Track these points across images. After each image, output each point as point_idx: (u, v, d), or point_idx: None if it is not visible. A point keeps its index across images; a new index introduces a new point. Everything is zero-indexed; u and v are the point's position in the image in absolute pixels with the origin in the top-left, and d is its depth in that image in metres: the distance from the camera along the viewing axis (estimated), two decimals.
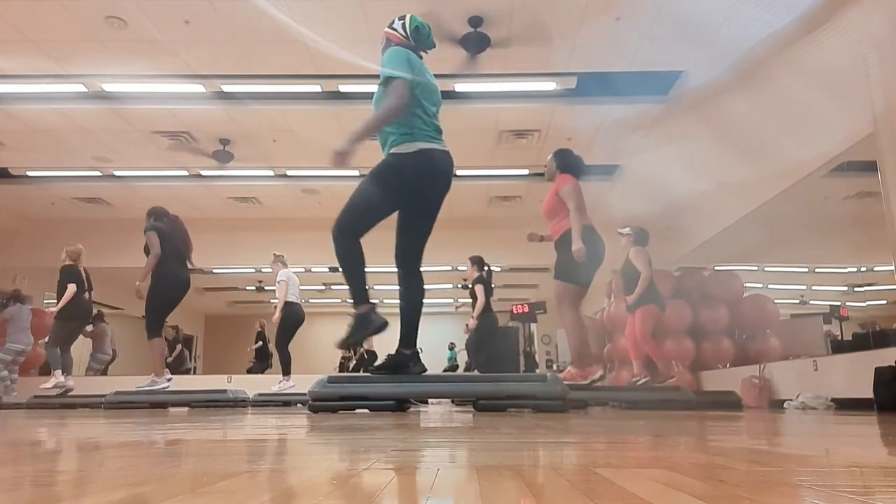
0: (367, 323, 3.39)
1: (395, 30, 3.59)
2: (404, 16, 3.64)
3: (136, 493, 0.73)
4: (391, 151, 3.36)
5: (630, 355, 6.37)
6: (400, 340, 3.62)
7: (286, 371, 7.17)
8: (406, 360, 3.59)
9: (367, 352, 13.84)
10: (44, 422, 3.04)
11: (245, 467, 0.98)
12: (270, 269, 7.58)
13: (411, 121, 3.32)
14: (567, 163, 4.99)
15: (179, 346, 12.72)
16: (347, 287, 3.43)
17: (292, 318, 7.17)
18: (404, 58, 3.37)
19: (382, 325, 3.43)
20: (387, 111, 3.25)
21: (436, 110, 3.46)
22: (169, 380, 5.73)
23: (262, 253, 11.22)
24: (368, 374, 3.88)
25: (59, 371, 6.80)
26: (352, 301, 3.43)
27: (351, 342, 3.51)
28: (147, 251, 5.80)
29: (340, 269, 3.45)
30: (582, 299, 4.79)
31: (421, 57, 3.56)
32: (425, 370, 3.67)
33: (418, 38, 3.56)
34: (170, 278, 5.73)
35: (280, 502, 0.66)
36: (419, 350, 3.69)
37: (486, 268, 7.69)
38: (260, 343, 12.56)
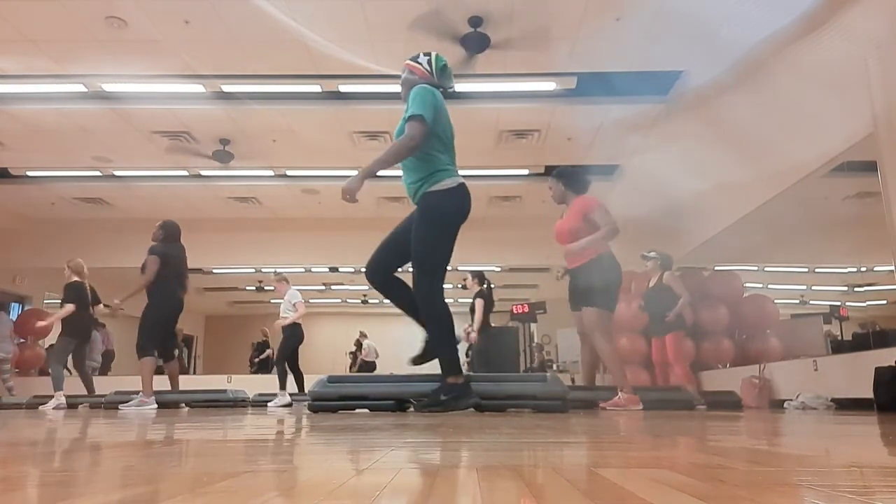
0: (464, 395, 3.34)
1: (419, 64, 3.61)
2: (430, 53, 3.67)
3: (136, 493, 0.73)
4: (435, 189, 3.39)
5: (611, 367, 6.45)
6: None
7: (283, 385, 7.13)
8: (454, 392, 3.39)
9: (364, 362, 13.85)
10: (43, 422, 3.05)
11: (245, 467, 0.98)
12: (273, 288, 7.56)
13: (445, 158, 3.45)
14: (579, 182, 4.71)
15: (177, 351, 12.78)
16: (441, 354, 3.37)
17: (295, 338, 7.19)
18: (431, 99, 3.39)
19: (474, 405, 3.41)
20: (401, 149, 3.32)
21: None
22: (155, 406, 5.64)
23: (262, 253, 11.25)
24: (368, 375, 3.88)
25: (61, 392, 6.77)
26: (444, 370, 3.38)
27: (436, 410, 3.35)
28: (143, 269, 5.74)
29: (437, 333, 3.38)
30: (611, 325, 4.67)
31: (444, 95, 3.58)
32: (477, 401, 3.46)
33: (443, 78, 3.60)
34: (171, 300, 5.72)
35: (280, 502, 0.66)
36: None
37: (486, 283, 7.71)
38: (265, 355, 12.72)
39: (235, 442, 1.60)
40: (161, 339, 5.79)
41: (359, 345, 14.33)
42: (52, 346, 7.38)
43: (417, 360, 3.49)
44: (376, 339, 14.44)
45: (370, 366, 13.71)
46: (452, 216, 3.42)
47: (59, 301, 7.03)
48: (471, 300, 7.75)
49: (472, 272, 7.76)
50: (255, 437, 1.79)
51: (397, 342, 14.18)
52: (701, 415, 3.61)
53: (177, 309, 5.82)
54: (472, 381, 3.67)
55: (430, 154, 3.41)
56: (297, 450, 1.38)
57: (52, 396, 6.76)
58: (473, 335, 7.53)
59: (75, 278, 6.95)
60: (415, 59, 3.64)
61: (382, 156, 3.33)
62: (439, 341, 3.38)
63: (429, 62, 3.60)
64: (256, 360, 12.94)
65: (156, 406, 5.56)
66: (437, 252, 3.40)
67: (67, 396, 6.88)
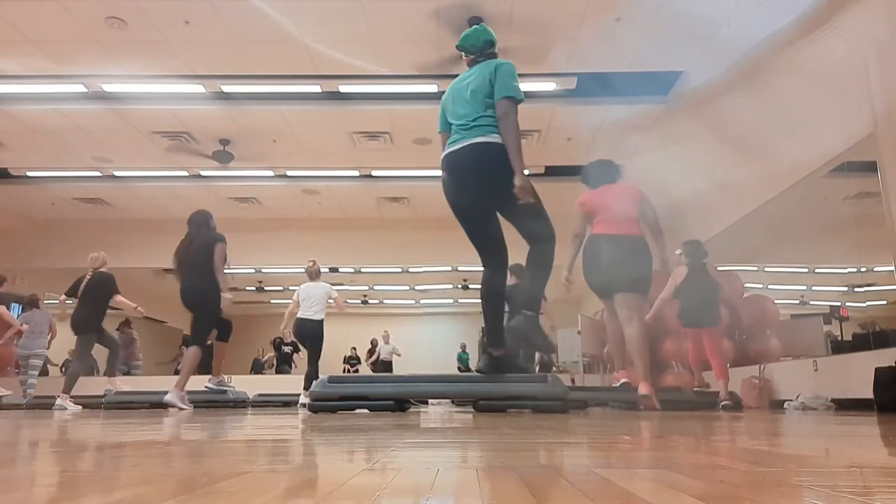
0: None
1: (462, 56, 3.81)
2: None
3: (136, 493, 0.73)
4: None
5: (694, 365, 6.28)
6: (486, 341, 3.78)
7: (306, 385, 7.02)
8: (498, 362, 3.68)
9: (382, 361, 13.86)
10: (43, 422, 3.05)
11: (245, 467, 0.98)
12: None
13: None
14: (584, 177, 4.93)
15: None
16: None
17: (296, 333, 7.11)
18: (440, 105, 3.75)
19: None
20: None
21: (464, 111, 3.56)
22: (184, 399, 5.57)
23: (262, 253, 11.24)
24: (368, 375, 3.87)
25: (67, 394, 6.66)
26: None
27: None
28: (204, 257, 5.59)
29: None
30: (608, 307, 4.75)
31: (478, 60, 3.69)
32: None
33: (467, 50, 3.73)
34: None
35: (280, 502, 0.66)
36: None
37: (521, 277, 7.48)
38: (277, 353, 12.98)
39: (235, 442, 1.60)
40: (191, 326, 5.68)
41: (374, 343, 14.38)
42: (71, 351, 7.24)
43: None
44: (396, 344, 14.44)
45: (387, 365, 13.75)
46: (443, 187, 3.61)
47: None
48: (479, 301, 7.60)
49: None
50: (255, 437, 1.79)
51: (396, 341, 14.22)
52: (701, 415, 3.61)
53: (182, 297, 5.63)
54: (471, 382, 3.67)
55: None
56: (296, 450, 1.38)
57: (55, 397, 6.72)
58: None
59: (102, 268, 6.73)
60: None
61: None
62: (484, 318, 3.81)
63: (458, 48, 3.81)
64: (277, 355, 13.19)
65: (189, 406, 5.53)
66: None
67: (78, 397, 6.82)
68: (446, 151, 3.54)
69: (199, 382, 9.20)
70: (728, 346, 6.56)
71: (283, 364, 13.09)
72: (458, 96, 3.61)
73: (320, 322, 7.09)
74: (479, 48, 3.68)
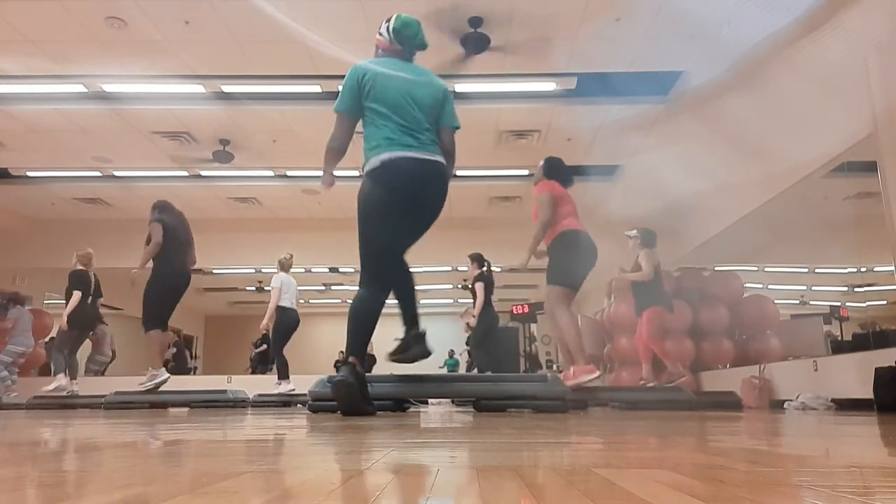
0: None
1: (381, 35, 3.30)
2: (391, 17, 3.33)
3: (136, 493, 0.73)
4: (363, 172, 3.10)
5: (640, 357, 6.40)
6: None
7: (282, 375, 7.11)
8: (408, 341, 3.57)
9: (367, 355, 13.83)
10: (43, 422, 3.05)
11: (245, 467, 0.98)
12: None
13: (378, 133, 3.06)
14: (552, 169, 4.99)
15: (174, 349, 12.82)
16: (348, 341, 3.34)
17: (284, 323, 7.12)
18: (346, 83, 3.14)
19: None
20: (328, 142, 3.20)
21: (412, 116, 3.10)
22: (167, 376, 5.68)
23: (262, 253, 11.24)
24: (368, 375, 3.83)
25: (62, 374, 6.83)
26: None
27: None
28: (148, 242, 5.73)
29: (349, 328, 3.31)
30: (571, 301, 4.80)
31: (411, 59, 3.33)
32: (427, 353, 3.60)
33: (401, 40, 3.26)
34: (171, 270, 5.63)
35: (280, 502, 0.66)
36: (423, 331, 3.61)
37: (486, 265, 7.65)
38: (264, 346, 12.75)
39: (235, 442, 1.60)
40: (162, 312, 5.64)
41: None
42: (52, 338, 7.46)
43: (396, 357, 3.57)
44: (375, 337, 14.39)
45: (371, 359, 13.72)
46: (373, 203, 3.01)
47: (65, 293, 7.10)
48: (470, 285, 7.65)
49: (470, 255, 7.67)
50: (254, 437, 1.79)
51: (395, 341, 14.19)
52: (701, 415, 3.61)
53: (181, 280, 5.70)
54: (471, 382, 3.66)
55: (366, 134, 3.11)
56: (296, 450, 1.38)
57: (49, 397, 6.76)
58: (472, 320, 7.48)
59: (80, 267, 7.02)
60: (378, 30, 3.33)
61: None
62: (349, 333, 3.30)
63: (387, 29, 3.29)
64: (255, 353, 13.02)
65: (167, 376, 5.62)
66: (363, 246, 3.11)
67: (80, 397, 6.90)
68: (408, 155, 3.01)
69: (200, 382, 9.21)
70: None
71: (262, 364, 12.93)
72: (404, 93, 3.11)
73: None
74: (415, 45, 3.29)
